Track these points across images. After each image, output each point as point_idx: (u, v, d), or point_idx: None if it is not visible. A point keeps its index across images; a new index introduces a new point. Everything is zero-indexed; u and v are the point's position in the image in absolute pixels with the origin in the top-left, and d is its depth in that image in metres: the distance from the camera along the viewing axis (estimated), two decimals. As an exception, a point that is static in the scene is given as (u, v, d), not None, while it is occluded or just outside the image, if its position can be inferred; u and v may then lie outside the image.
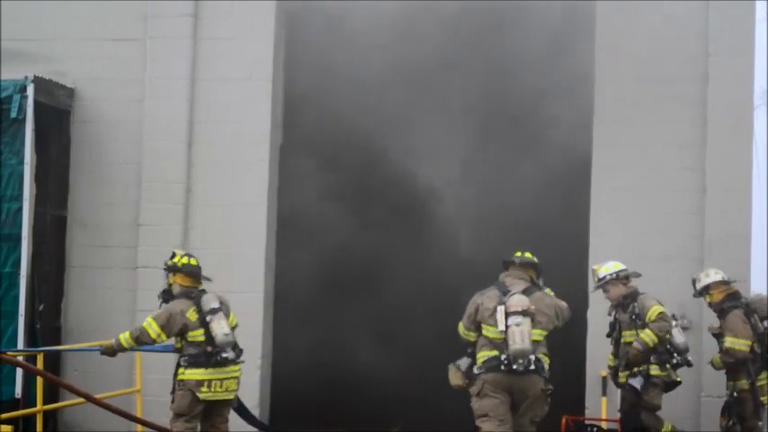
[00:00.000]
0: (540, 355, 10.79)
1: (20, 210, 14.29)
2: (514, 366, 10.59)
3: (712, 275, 12.46)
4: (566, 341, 13.27)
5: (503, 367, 10.65)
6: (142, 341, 11.13)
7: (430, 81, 16.92)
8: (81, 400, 12.46)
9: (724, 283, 12.37)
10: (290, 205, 15.71)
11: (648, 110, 14.19)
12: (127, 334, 11.16)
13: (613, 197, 14.21)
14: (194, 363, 11.03)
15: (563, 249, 14.10)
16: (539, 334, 10.84)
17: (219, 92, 15.00)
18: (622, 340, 12.02)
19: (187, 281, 11.35)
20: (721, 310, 12.32)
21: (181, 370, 11.10)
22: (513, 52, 16.24)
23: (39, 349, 13.63)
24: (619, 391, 12.54)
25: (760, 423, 12.19)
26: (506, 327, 10.61)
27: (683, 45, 14.18)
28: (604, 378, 13.24)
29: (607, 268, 12.13)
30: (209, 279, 11.57)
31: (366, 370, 16.16)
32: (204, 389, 10.98)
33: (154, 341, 11.11)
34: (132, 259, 14.94)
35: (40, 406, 12.21)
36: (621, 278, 12.04)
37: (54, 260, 15.18)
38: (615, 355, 12.27)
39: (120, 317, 14.65)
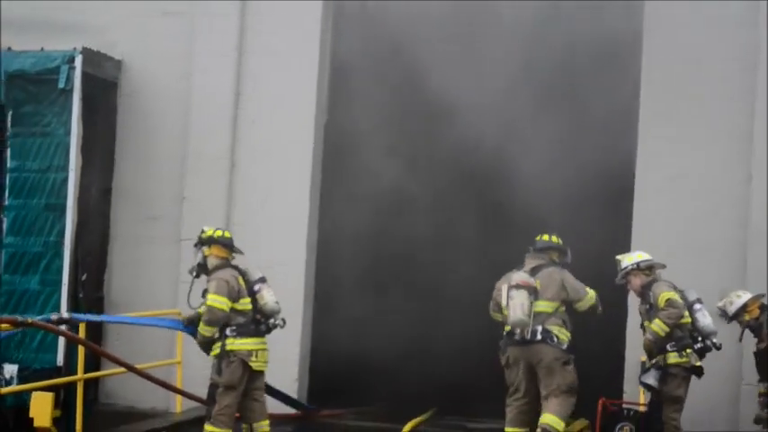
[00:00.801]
0: (551, 326, 11.44)
1: (66, 180, 14.37)
2: (516, 337, 11.43)
3: (743, 295, 12.19)
4: (606, 326, 13.22)
5: (511, 339, 11.55)
6: (216, 319, 10.92)
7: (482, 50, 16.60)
8: (122, 369, 12.59)
9: (756, 297, 12.16)
10: (334, 182, 15.64)
11: (695, 98, 14.07)
12: (201, 325, 11.03)
13: (657, 184, 14.13)
14: (243, 332, 11.00)
15: (606, 237, 13.86)
16: (546, 305, 11.57)
17: (266, 68, 15.05)
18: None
19: (223, 252, 11.30)
20: (759, 326, 12.07)
21: (229, 341, 10.96)
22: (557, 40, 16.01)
23: (111, 318, 13.90)
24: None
25: None
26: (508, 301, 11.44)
27: (732, 33, 14.06)
28: (643, 363, 13.11)
29: (630, 258, 11.79)
30: (241, 252, 11.50)
31: (405, 351, 16.08)
32: (254, 358, 11.00)
33: (225, 313, 10.93)
34: (176, 232, 14.97)
35: (80, 374, 12.28)
36: (643, 269, 11.63)
37: (98, 231, 15.29)
38: None
39: (163, 289, 14.81)
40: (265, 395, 11.57)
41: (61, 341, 13.71)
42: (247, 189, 14.94)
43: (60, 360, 13.88)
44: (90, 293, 14.93)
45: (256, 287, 11.15)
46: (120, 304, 15.01)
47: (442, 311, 16.82)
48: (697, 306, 11.51)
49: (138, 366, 12.65)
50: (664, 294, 11.30)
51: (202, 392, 13.38)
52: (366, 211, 16.31)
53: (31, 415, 12.36)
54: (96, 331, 14.58)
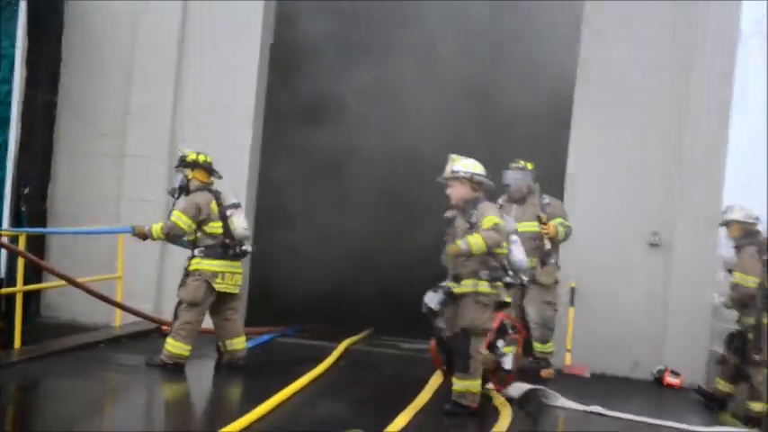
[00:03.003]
0: None
1: (10, 92, 14.24)
2: None
3: (731, 214, 12.32)
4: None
5: None
6: (174, 234, 11.19)
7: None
8: (62, 282, 12.57)
9: (743, 222, 12.23)
10: (277, 107, 15.57)
11: (635, 30, 14.05)
12: (159, 226, 11.20)
13: (594, 114, 14.09)
14: (211, 254, 11.22)
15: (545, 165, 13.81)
16: None
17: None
18: None
19: (204, 176, 11.48)
20: (737, 246, 12.26)
21: (196, 260, 11.22)
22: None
23: (59, 230, 14.03)
24: None
25: (758, 356, 11.99)
26: None
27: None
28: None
29: (465, 164, 10.28)
30: (220, 177, 11.67)
31: (344, 277, 16.14)
32: (219, 280, 11.22)
33: (185, 233, 11.19)
34: (120, 147, 14.85)
35: (20, 286, 12.21)
36: (474, 182, 10.21)
37: (43, 144, 15.07)
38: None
39: (106, 203, 14.76)
40: (238, 315, 11.81)
41: (3, 253, 13.69)
42: (192, 106, 14.79)
43: (2, 272, 13.86)
44: (33, 207, 14.78)
45: (228, 212, 11.34)
46: (63, 218, 14.89)
47: (381, 235, 16.86)
48: (513, 238, 10.50)
49: (79, 280, 12.65)
50: (492, 218, 10.00)
51: (142, 307, 13.59)
52: (310, 129, 16.29)
53: (-29, 325, 12.49)
54: (39, 244, 14.49)
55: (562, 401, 11.04)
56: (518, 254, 10.37)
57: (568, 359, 13.67)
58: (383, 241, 16.78)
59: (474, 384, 10.03)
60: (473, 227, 10.00)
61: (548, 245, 12.41)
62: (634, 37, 14.03)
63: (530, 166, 12.57)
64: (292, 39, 15.83)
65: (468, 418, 9.92)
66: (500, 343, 10.77)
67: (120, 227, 12.51)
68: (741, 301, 12.10)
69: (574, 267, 12.97)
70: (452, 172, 10.27)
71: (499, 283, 10.07)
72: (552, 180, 13.59)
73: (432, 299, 9.99)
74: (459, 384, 10.03)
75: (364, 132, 16.33)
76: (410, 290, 14.92)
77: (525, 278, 10.61)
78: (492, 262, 10.05)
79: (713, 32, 13.71)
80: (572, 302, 13.78)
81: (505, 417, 9.96)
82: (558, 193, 13.56)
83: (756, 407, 12.01)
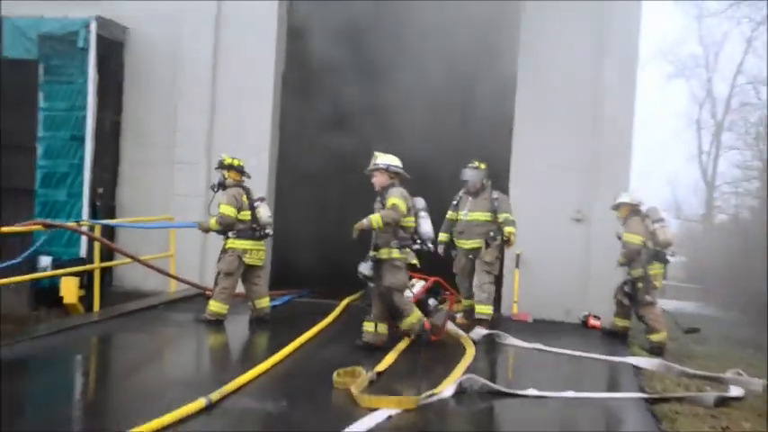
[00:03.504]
0: None
1: (85, 117, 14.49)
2: None
3: (621, 198, 12.58)
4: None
5: None
6: (225, 222, 11.38)
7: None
8: (129, 260, 12.77)
9: (630, 204, 12.50)
10: (293, 119, 15.66)
11: (562, 52, 14.09)
12: (214, 220, 11.37)
13: (531, 122, 14.12)
14: (241, 235, 11.45)
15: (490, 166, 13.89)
16: None
17: (235, 32, 15.02)
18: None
19: (237, 176, 11.72)
20: (625, 221, 12.51)
21: (230, 240, 11.45)
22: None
23: (142, 225, 13.97)
24: None
25: (648, 297, 12.24)
26: None
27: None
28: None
29: (385, 158, 10.21)
30: (249, 176, 11.91)
31: (346, 252, 16.21)
32: (248, 255, 11.47)
33: (234, 220, 11.38)
34: (170, 156, 15.03)
35: (97, 264, 12.56)
36: (390, 172, 10.16)
37: (111, 155, 15.31)
38: None
39: (160, 200, 14.90)
40: (263, 281, 12.00)
41: (83, 238, 14.01)
42: (224, 124, 14.92)
43: (83, 253, 14.17)
44: (105, 203, 15.06)
45: (256, 204, 11.61)
46: (127, 212, 15.10)
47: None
48: (422, 214, 10.35)
49: (141, 257, 12.83)
50: (392, 199, 9.98)
51: (189, 277, 13.75)
52: (322, 136, 16.30)
53: (61, 294, 12.78)
54: (110, 231, 14.71)
55: (511, 340, 11.20)
56: (425, 226, 10.26)
57: (515, 309, 13.81)
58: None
59: (413, 317, 10.28)
60: (384, 207, 10.04)
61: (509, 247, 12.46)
62: (561, 58, 14.04)
63: (482, 165, 12.48)
64: (304, 65, 15.80)
65: (440, 352, 10.13)
66: (431, 301, 10.79)
67: (188, 222, 12.73)
68: (630, 256, 12.31)
69: (519, 239, 12.91)
70: (374, 165, 10.20)
71: (408, 250, 10.08)
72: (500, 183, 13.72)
73: (365, 267, 10.01)
74: (403, 323, 10.33)
75: (366, 136, 16.37)
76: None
77: (431, 246, 10.38)
78: (402, 233, 10.06)
79: (617, 54, 13.74)
80: (517, 266, 13.93)
81: (470, 352, 10.19)
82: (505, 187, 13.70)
83: (655, 338, 12.23)
